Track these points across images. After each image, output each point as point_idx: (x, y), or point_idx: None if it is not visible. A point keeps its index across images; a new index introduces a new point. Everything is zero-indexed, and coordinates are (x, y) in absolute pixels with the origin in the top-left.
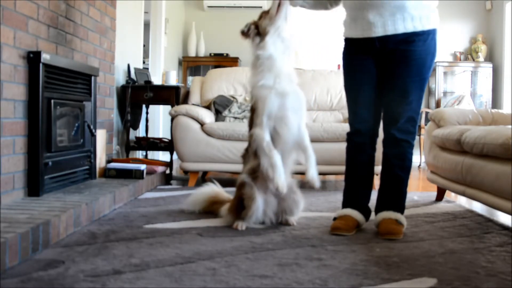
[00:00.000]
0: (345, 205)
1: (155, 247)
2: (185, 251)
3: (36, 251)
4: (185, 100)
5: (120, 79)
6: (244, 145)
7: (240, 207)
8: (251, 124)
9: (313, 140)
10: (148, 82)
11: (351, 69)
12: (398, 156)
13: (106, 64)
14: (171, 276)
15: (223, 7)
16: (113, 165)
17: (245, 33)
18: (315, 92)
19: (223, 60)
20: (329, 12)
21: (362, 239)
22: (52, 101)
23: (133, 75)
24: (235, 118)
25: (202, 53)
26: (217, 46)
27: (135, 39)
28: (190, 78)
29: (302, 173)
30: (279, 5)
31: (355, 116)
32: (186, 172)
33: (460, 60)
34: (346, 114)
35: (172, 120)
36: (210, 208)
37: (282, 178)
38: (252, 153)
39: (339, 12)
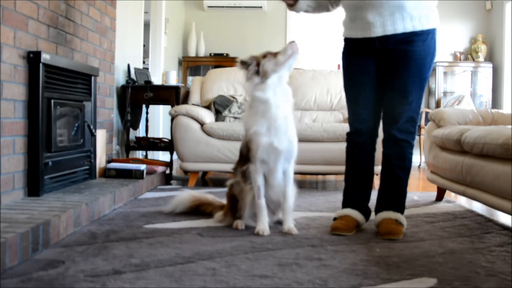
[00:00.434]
0: (345, 205)
1: (155, 247)
2: (185, 251)
3: (36, 251)
4: (185, 100)
5: (120, 79)
6: None
7: (234, 206)
8: (245, 156)
9: (313, 140)
10: (148, 82)
11: (351, 69)
12: (398, 156)
13: (106, 64)
14: (171, 276)
15: (223, 7)
16: (113, 165)
17: (244, 64)
18: (315, 92)
19: (223, 60)
20: (332, 12)
21: (362, 239)
22: (52, 101)
23: (133, 75)
24: (235, 118)
25: (202, 53)
26: (217, 46)
27: (135, 39)
28: (190, 78)
29: (303, 173)
30: (289, 55)
31: (355, 116)
32: (186, 172)
33: (460, 60)
34: (346, 114)
35: (172, 120)
36: (196, 209)
37: (265, 224)
38: (240, 172)
39: (339, 12)
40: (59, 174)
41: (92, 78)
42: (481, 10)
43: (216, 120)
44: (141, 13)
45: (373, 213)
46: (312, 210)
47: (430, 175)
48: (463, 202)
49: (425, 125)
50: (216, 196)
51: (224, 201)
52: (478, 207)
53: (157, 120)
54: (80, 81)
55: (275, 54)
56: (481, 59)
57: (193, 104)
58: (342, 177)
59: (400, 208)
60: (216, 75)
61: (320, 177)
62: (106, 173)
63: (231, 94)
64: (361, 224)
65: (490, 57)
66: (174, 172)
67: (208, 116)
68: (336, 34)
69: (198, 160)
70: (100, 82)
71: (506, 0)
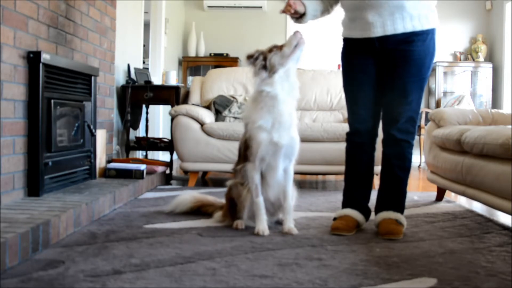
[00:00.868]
0: (345, 205)
1: (155, 247)
2: (185, 251)
3: (36, 251)
4: (185, 100)
5: (120, 79)
6: None
7: (233, 209)
8: (243, 155)
9: (313, 140)
10: (148, 82)
11: (350, 69)
12: (398, 156)
13: (106, 64)
14: (171, 276)
15: (223, 7)
16: (113, 165)
17: (251, 58)
18: (315, 92)
19: (223, 60)
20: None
21: (362, 239)
22: (52, 101)
23: (133, 75)
24: (235, 118)
25: (202, 53)
26: (217, 46)
27: (135, 39)
28: (190, 78)
29: (303, 173)
30: (295, 47)
31: (355, 116)
32: (186, 172)
33: (460, 60)
34: (346, 114)
35: (172, 120)
36: (197, 210)
37: (264, 224)
38: (239, 172)
39: (339, 12)
40: (59, 174)
41: (92, 78)
42: (481, 10)
43: (216, 120)
44: (141, 13)
45: (373, 213)
46: (312, 210)
47: (430, 175)
48: (463, 202)
49: (425, 125)
50: (216, 196)
51: (224, 200)
52: (478, 207)
53: (157, 120)
54: (80, 81)
55: (281, 47)
56: (481, 59)
57: (193, 104)
58: (342, 177)
59: (400, 208)
60: (216, 75)
61: (320, 177)
62: (106, 173)
63: (231, 94)
64: (361, 224)
65: (490, 57)
66: (174, 172)
67: (208, 116)
68: (336, 34)
69: (198, 160)
70: (100, 82)
71: (506, 0)
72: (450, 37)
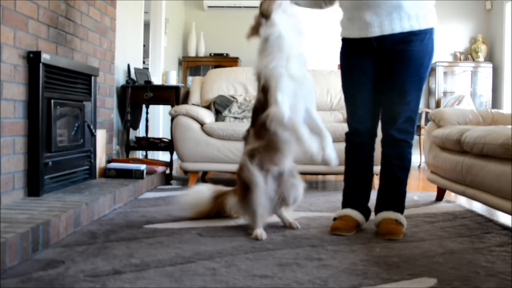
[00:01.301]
0: (345, 205)
1: (155, 247)
2: (185, 251)
3: (36, 251)
4: (185, 100)
5: (120, 79)
6: None
7: (245, 190)
8: (260, 105)
9: None
10: (148, 82)
11: (349, 69)
12: (397, 156)
13: (106, 64)
14: (171, 276)
15: (223, 7)
16: (113, 165)
17: (250, 29)
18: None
19: (223, 60)
20: (329, 11)
21: (362, 239)
22: (52, 101)
23: (133, 75)
24: (235, 118)
25: (202, 53)
26: (217, 46)
27: (135, 39)
28: (190, 78)
29: (303, 173)
30: None
31: (354, 116)
32: (186, 172)
33: (460, 60)
34: (346, 114)
35: (172, 120)
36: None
37: (314, 145)
38: (253, 134)
39: (339, 12)
40: (59, 174)
41: (92, 78)
42: (481, 10)
43: (216, 120)
44: (141, 13)
45: (373, 213)
46: (312, 210)
47: (430, 175)
48: (463, 202)
49: (425, 125)
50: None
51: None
52: (478, 207)
53: (157, 120)
54: (80, 81)
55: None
56: (481, 59)
57: (193, 104)
58: (342, 177)
59: (400, 208)
60: (216, 75)
61: (320, 177)
62: (106, 173)
63: (231, 94)
64: (361, 224)
65: (490, 57)
66: (174, 172)
67: (208, 116)
68: (335, 34)
69: (198, 160)
70: (100, 82)
71: (506, 0)
72: (450, 37)
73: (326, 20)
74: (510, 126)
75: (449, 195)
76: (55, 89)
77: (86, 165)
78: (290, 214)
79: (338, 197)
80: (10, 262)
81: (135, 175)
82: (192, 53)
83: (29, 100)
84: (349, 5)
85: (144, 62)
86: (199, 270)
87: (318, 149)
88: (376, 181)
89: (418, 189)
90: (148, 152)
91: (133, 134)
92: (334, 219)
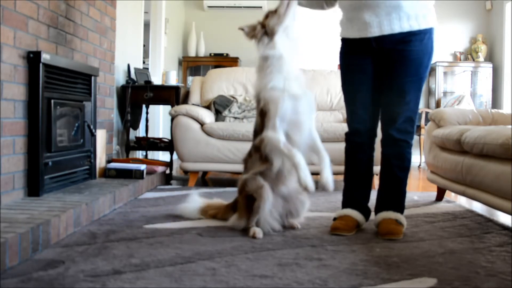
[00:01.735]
0: (344, 205)
1: (155, 247)
2: (185, 251)
3: (36, 251)
4: (185, 100)
5: (120, 79)
6: (244, 145)
7: (251, 204)
8: (260, 129)
9: None
10: (148, 82)
11: (349, 70)
12: (397, 156)
13: (106, 64)
14: (171, 276)
15: (223, 7)
16: (113, 165)
17: (249, 34)
18: (315, 92)
19: (223, 60)
20: (329, 11)
21: (362, 239)
22: (52, 101)
23: (133, 75)
24: (235, 118)
25: (202, 53)
26: (217, 46)
27: (135, 39)
28: (190, 78)
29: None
30: (288, 4)
31: (353, 116)
32: (186, 172)
33: (460, 60)
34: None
35: (172, 120)
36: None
37: (309, 177)
38: (258, 158)
39: (338, 12)
40: (59, 174)
41: (92, 78)
42: (481, 10)
43: (216, 120)
44: (141, 13)
45: (373, 213)
46: (312, 210)
47: (430, 175)
48: (463, 202)
49: (425, 125)
50: (216, 196)
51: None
52: (478, 207)
53: (157, 120)
54: (80, 81)
55: (275, 11)
56: (481, 59)
57: (193, 104)
58: (342, 177)
59: (400, 208)
60: (216, 75)
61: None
62: (106, 173)
63: (231, 94)
64: (361, 224)
65: (490, 57)
66: (174, 172)
67: (208, 116)
68: (335, 34)
69: (198, 160)
70: (100, 82)
71: (506, 0)
72: (450, 37)
73: (326, 20)
74: (510, 126)
75: (449, 195)
76: (55, 89)
77: (86, 165)
78: (328, 168)
79: (338, 197)
80: (10, 262)
81: (135, 175)
82: (192, 53)
83: (29, 100)
84: (348, 5)
85: (144, 62)
86: (199, 270)
87: (312, 181)
88: (376, 181)
89: (418, 189)
90: (148, 152)
91: (133, 134)
92: (334, 219)
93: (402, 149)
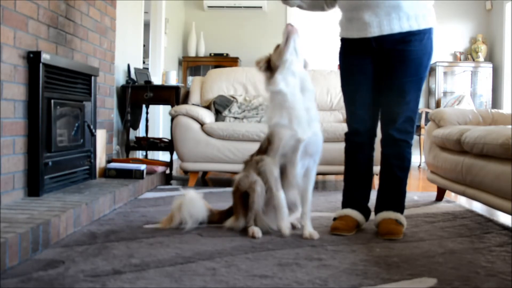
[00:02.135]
0: (344, 205)
1: (155, 247)
2: (185, 251)
3: (36, 251)
4: (185, 100)
5: (120, 79)
6: (244, 145)
7: (245, 202)
8: (265, 149)
9: None
10: (148, 82)
11: (348, 70)
12: (397, 156)
13: (106, 64)
14: (171, 276)
15: (223, 7)
16: (113, 165)
17: (257, 65)
18: (315, 92)
19: (223, 60)
20: (329, 12)
21: (362, 239)
22: (52, 101)
23: (133, 75)
24: (235, 118)
25: (202, 53)
26: (217, 46)
27: (135, 39)
28: (190, 78)
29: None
30: (287, 39)
31: (353, 116)
32: (186, 172)
33: (460, 60)
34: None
35: (172, 120)
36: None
37: (286, 221)
38: (255, 166)
39: (338, 12)
40: (59, 174)
41: (92, 78)
42: (481, 10)
43: (216, 120)
44: (141, 13)
45: (373, 213)
46: (312, 210)
47: (430, 175)
48: (463, 202)
49: (425, 125)
50: (217, 196)
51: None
52: (478, 207)
53: (157, 120)
54: (80, 81)
55: (279, 45)
56: (481, 59)
57: (193, 104)
58: (342, 177)
59: (400, 208)
60: (216, 75)
61: (320, 177)
62: (106, 173)
63: (231, 94)
64: (361, 224)
65: (490, 57)
66: (174, 172)
67: (208, 116)
68: (335, 34)
69: (198, 160)
70: (100, 82)
71: (506, 0)
72: (450, 37)
73: (326, 20)
74: (510, 126)
75: (449, 195)
76: (55, 89)
77: (86, 165)
78: (309, 223)
79: (338, 197)
80: (10, 262)
81: (135, 175)
82: (192, 53)
83: (29, 100)
84: (348, 5)
85: (144, 62)
86: (199, 270)
87: (287, 226)
88: (376, 181)
89: (418, 189)
90: (148, 152)
91: (133, 134)
92: (334, 219)
93: (402, 149)
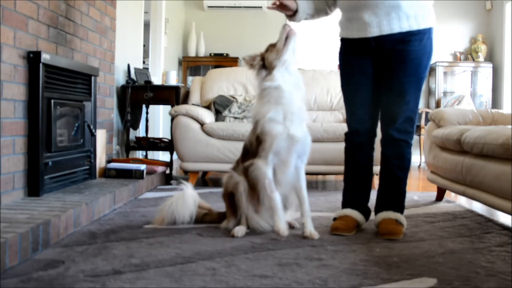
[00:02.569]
0: (344, 205)
1: (155, 247)
2: (185, 251)
3: (36, 251)
4: (185, 100)
5: (120, 79)
6: None
7: (233, 204)
8: (252, 151)
9: (313, 140)
10: (148, 82)
11: (348, 70)
12: (397, 156)
13: (106, 64)
14: (171, 276)
15: (223, 7)
16: (113, 165)
17: (248, 63)
18: (315, 92)
19: (223, 60)
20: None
21: (362, 239)
22: (52, 101)
23: (133, 75)
24: (235, 118)
25: (202, 53)
26: (217, 46)
27: (135, 39)
28: (190, 78)
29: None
30: (286, 38)
31: (353, 116)
32: (186, 172)
33: (460, 60)
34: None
35: (172, 120)
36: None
37: (283, 222)
38: (243, 172)
39: (338, 12)
40: (59, 174)
41: (92, 78)
42: (481, 10)
43: (216, 120)
44: (141, 13)
45: (373, 213)
46: (312, 210)
47: (430, 175)
48: (463, 202)
49: (425, 125)
50: (217, 196)
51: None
52: (478, 207)
53: (157, 120)
54: (80, 81)
55: (275, 44)
56: (481, 59)
57: (193, 104)
58: (342, 177)
59: (400, 208)
60: (216, 75)
61: (320, 177)
62: (106, 173)
63: (231, 94)
64: (361, 224)
65: (490, 57)
66: (174, 172)
67: (208, 116)
68: (336, 34)
69: (198, 160)
70: (100, 82)
71: (506, 0)
72: (450, 37)
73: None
74: (510, 126)
75: (449, 195)
76: (55, 89)
77: (86, 165)
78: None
79: (338, 197)
80: (10, 262)
81: (135, 175)
82: (192, 53)
83: (29, 100)
84: (347, 5)
85: (144, 62)
86: (199, 270)
87: (285, 228)
88: (376, 181)
89: (418, 189)
90: (148, 152)
91: (133, 134)
92: (334, 219)
93: (402, 149)
